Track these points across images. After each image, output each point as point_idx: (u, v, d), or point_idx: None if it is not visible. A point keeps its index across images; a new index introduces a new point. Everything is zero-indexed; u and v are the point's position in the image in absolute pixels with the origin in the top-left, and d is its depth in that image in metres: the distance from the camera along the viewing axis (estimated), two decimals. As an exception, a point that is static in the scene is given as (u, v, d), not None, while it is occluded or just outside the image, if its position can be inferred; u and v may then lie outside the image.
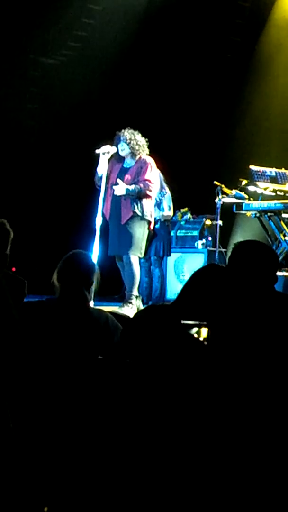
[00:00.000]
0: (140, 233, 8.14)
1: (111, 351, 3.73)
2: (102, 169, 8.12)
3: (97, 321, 4.03)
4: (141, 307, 8.21)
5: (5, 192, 10.21)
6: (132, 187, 8.03)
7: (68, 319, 3.95)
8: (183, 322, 2.65)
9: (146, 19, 11.38)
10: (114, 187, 8.05)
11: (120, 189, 8.03)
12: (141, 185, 8.05)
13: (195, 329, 2.83)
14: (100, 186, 8.16)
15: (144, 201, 8.10)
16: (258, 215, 9.82)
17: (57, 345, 3.76)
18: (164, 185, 9.99)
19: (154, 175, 8.26)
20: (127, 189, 8.02)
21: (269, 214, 9.67)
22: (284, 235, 9.50)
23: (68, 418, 2.87)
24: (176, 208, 10.73)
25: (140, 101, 11.33)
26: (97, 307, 4.48)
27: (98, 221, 8.01)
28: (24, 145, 10.78)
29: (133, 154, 8.13)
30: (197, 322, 2.75)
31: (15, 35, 10.51)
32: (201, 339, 2.81)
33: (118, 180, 8.05)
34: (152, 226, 8.44)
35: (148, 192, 8.12)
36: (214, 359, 2.38)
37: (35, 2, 10.48)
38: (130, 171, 8.16)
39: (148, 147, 8.34)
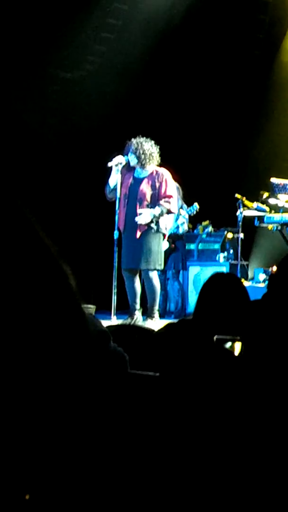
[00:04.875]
0: (156, 246, 8.09)
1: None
2: (114, 180, 8.06)
3: None
4: (158, 319, 8.22)
5: (25, 205, 10.19)
6: (157, 211, 7.94)
7: None
8: (217, 337, 2.61)
9: (166, 33, 11.38)
10: (139, 217, 7.93)
11: (146, 217, 7.93)
12: (163, 203, 7.98)
13: (228, 344, 2.78)
14: (110, 199, 8.13)
15: (157, 208, 8.03)
16: (279, 228, 9.78)
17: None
18: (180, 198, 10.03)
19: (172, 188, 8.21)
20: (153, 214, 7.95)
21: (290, 226, 9.63)
22: (306, 248, 9.44)
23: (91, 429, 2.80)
24: (198, 221, 10.73)
25: (160, 114, 11.32)
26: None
27: (116, 234, 8.03)
28: (43, 159, 10.79)
29: (141, 164, 8.05)
30: (229, 337, 2.70)
31: (34, 49, 10.54)
32: (235, 354, 2.76)
33: (141, 210, 7.92)
34: (166, 238, 8.45)
35: (172, 209, 8.10)
36: (250, 374, 2.33)
37: (54, 17, 10.51)
38: (144, 183, 8.07)
39: (168, 160, 8.29)
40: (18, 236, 0.86)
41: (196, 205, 10.19)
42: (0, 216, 0.86)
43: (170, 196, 8.06)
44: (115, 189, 8.05)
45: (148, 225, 7.99)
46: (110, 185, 8.09)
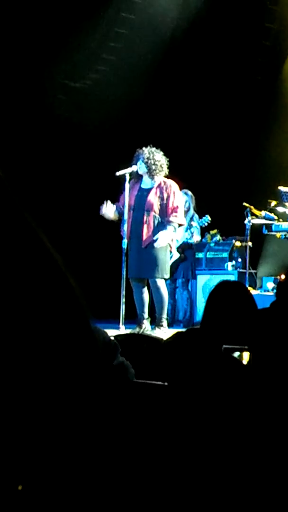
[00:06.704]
0: (163, 255, 8.11)
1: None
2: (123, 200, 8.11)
3: None
4: (167, 328, 8.22)
5: (31, 214, 10.19)
6: (171, 230, 8.01)
7: None
8: (225, 346, 2.60)
9: (173, 42, 11.40)
10: (157, 242, 7.95)
11: (163, 241, 7.98)
12: (173, 219, 8.00)
13: (236, 354, 2.78)
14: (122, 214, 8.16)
15: (169, 227, 8.07)
16: (287, 236, 9.77)
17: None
18: (192, 207, 10.07)
19: (179, 199, 8.22)
20: (169, 236, 8.06)
21: (299, 235, 9.62)
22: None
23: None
24: (206, 230, 10.74)
25: (168, 123, 11.33)
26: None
27: (124, 243, 8.05)
28: (50, 168, 10.81)
29: (150, 174, 8.06)
30: (238, 346, 2.70)
31: (41, 59, 10.57)
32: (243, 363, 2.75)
33: (158, 235, 7.94)
34: (173, 249, 8.48)
35: (180, 221, 8.18)
36: (258, 383, 2.32)
37: (62, 27, 10.55)
38: (152, 193, 8.07)
39: (176, 169, 8.30)
40: (23, 247, 0.85)
41: (207, 217, 10.24)
42: (4, 227, 0.85)
43: (177, 208, 8.08)
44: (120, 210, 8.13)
45: (154, 236, 8.03)
46: (120, 206, 8.14)
